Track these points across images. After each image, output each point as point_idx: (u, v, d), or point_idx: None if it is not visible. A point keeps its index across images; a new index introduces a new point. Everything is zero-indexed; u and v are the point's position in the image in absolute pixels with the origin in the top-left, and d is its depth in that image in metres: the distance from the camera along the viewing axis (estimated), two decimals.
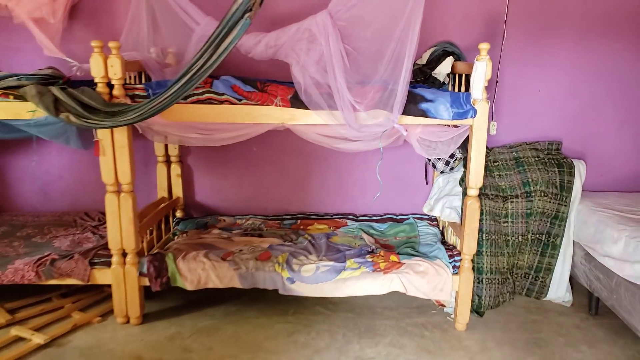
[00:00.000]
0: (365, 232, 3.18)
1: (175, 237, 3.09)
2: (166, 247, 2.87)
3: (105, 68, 2.35)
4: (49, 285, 2.72)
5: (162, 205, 3.16)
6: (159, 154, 3.25)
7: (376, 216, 3.41)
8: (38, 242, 2.99)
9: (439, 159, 3.08)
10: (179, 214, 3.38)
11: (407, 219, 3.35)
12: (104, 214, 3.32)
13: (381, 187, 2.88)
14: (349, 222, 3.32)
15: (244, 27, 1.89)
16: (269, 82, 2.48)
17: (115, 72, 2.34)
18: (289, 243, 2.97)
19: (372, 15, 2.20)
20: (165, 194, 3.30)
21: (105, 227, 3.16)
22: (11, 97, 2.46)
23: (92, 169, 3.20)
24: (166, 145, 3.24)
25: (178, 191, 3.34)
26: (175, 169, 3.31)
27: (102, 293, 2.99)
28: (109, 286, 2.81)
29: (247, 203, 3.47)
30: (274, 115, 2.42)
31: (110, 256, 2.65)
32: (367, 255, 2.73)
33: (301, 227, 3.28)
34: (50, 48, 2.84)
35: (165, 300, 2.88)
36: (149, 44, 2.91)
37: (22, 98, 2.42)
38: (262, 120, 2.43)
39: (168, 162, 3.30)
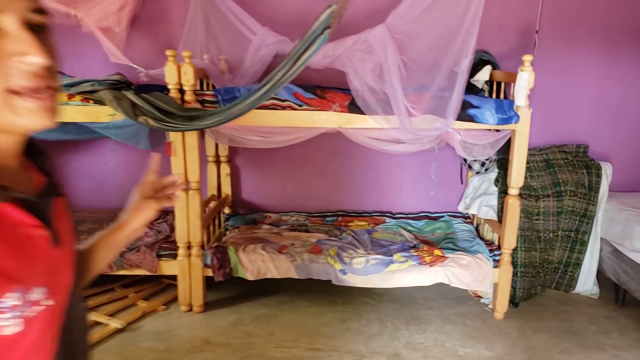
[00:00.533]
0: (403, 228, 3.39)
1: (227, 232, 3.31)
2: (223, 241, 3.08)
3: (178, 75, 2.57)
4: (109, 277, 2.95)
5: (214, 202, 3.38)
6: (210, 154, 3.46)
7: (412, 214, 3.63)
8: None
9: (475, 160, 3.29)
10: (227, 210, 3.60)
11: (442, 216, 3.56)
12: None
13: (435, 185, 3.10)
14: (387, 220, 3.54)
15: (323, 42, 2.11)
16: (328, 89, 2.70)
17: (188, 79, 2.56)
18: (334, 238, 3.18)
19: (427, 30, 2.42)
20: (215, 192, 3.51)
21: (160, 222, 3.39)
22: (91, 101, 2.68)
23: (144, 168, 3.42)
24: (217, 146, 3.46)
25: (227, 189, 3.56)
26: (225, 169, 3.52)
27: (161, 284, 3.21)
28: (167, 277, 3.03)
29: (290, 201, 3.69)
30: (332, 119, 2.63)
31: (173, 249, 2.88)
32: (411, 250, 2.95)
33: (342, 223, 3.50)
34: (116, 55, 3.06)
35: (221, 290, 3.10)
36: (203, 51, 3.13)
37: (101, 102, 2.64)
38: (322, 124, 2.65)
39: (218, 162, 3.51)
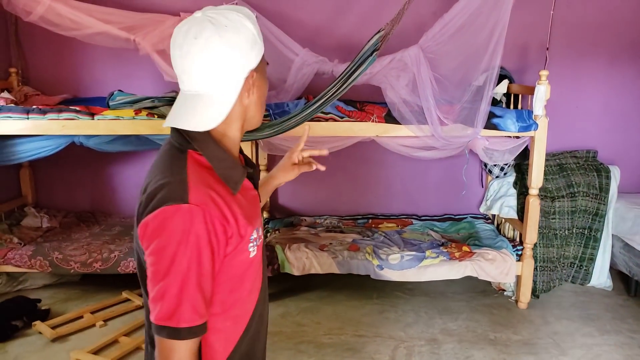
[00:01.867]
0: (430, 229, 3.69)
1: (268, 234, 3.61)
2: (267, 241, 3.38)
3: None
4: None
5: None
6: None
7: (437, 216, 3.93)
8: None
9: (495, 165, 3.60)
10: (265, 214, 3.91)
11: (465, 218, 3.87)
12: None
13: (466, 186, 3.43)
14: (414, 221, 3.84)
15: (371, 62, 2.43)
16: (366, 102, 3.02)
17: None
18: (368, 238, 3.48)
19: (457, 50, 2.74)
20: None
21: None
22: (155, 116, 3.00)
23: None
24: (257, 156, 3.77)
25: None
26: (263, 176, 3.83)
27: None
28: None
29: (323, 205, 4.00)
30: (371, 129, 2.95)
31: None
32: (441, 247, 3.25)
33: (373, 225, 3.80)
34: (171, 74, 3.38)
35: None
36: None
37: (163, 117, 2.97)
38: (361, 133, 2.97)
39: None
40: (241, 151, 1.09)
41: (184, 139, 0.94)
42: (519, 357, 2.61)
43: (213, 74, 0.90)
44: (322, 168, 1.31)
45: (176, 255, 0.84)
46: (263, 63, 0.99)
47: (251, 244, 0.97)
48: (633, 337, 2.80)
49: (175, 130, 0.96)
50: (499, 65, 2.64)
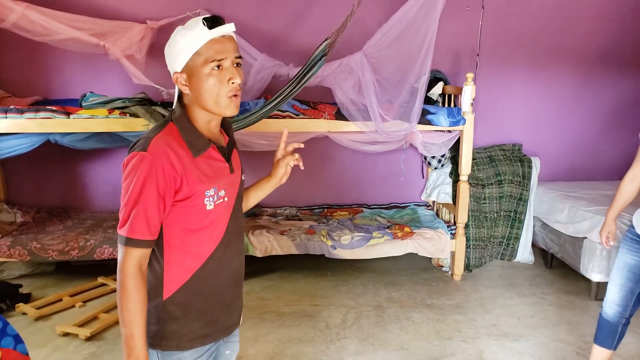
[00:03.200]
0: (378, 216, 4.13)
1: None
2: None
3: None
4: None
5: None
6: None
7: (384, 205, 4.39)
8: None
9: (433, 157, 4.08)
10: None
11: (409, 205, 4.33)
12: None
13: (404, 173, 3.87)
14: (364, 210, 4.28)
15: (320, 66, 2.84)
16: (319, 102, 3.42)
17: None
18: (323, 224, 3.89)
19: (395, 55, 3.19)
20: None
21: None
22: (127, 115, 3.30)
23: None
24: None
25: None
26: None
27: None
28: None
29: (282, 197, 4.37)
30: (323, 126, 3.36)
31: None
32: (386, 229, 3.69)
33: (327, 214, 4.21)
34: (139, 77, 3.66)
35: None
36: None
37: (135, 116, 3.27)
38: (315, 129, 3.37)
39: None
40: (230, 134, 1.42)
41: (170, 115, 1.31)
42: (450, 316, 3.07)
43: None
44: (302, 167, 1.61)
45: (130, 185, 1.18)
46: (197, 67, 1.23)
47: (207, 199, 1.27)
48: (544, 297, 3.33)
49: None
50: (429, 67, 3.10)
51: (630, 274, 2.09)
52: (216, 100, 1.25)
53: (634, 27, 4.29)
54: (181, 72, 1.26)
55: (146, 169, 1.18)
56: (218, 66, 1.23)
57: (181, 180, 1.23)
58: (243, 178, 1.44)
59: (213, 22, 1.24)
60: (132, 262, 1.21)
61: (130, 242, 1.20)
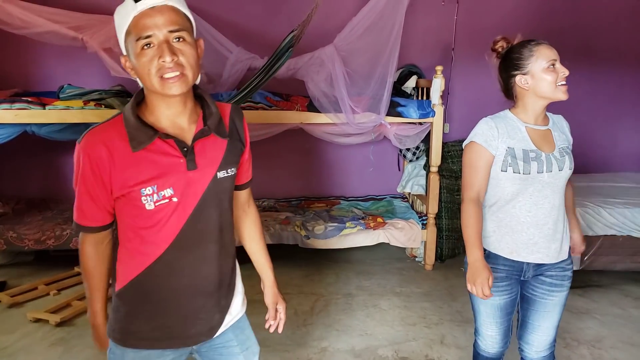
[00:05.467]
0: (355, 207, 4.20)
1: None
2: None
3: None
4: None
5: None
6: None
7: (361, 197, 4.45)
8: None
9: (408, 150, 4.15)
10: None
11: (385, 197, 4.40)
12: None
13: (373, 163, 3.94)
14: (341, 202, 4.34)
15: (287, 57, 2.90)
16: (291, 95, 3.48)
17: None
18: (300, 215, 3.95)
19: (364, 48, 3.24)
20: None
21: None
22: (102, 106, 3.35)
23: None
24: None
25: None
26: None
27: None
28: None
29: (260, 189, 4.43)
30: (295, 117, 3.42)
31: None
32: (360, 220, 3.75)
33: (305, 205, 4.27)
34: (117, 70, 3.70)
35: None
36: None
37: (111, 107, 3.32)
38: (287, 120, 3.42)
39: None
40: (205, 121, 1.22)
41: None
42: (417, 304, 3.14)
43: None
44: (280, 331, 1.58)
45: (74, 175, 1.19)
46: (131, 47, 1.13)
47: (143, 197, 1.15)
48: None
49: None
50: (396, 60, 3.16)
51: (503, 314, 1.77)
52: (151, 81, 1.12)
53: (607, 21, 4.36)
54: (126, 55, 1.16)
55: (77, 160, 1.17)
56: (148, 44, 1.10)
57: (110, 176, 1.15)
58: (220, 176, 1.24)
59: None
60: (85, 244, 1.25)
61: (77, 226, 1.23)
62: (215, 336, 1.36)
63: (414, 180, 4.07)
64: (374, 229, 3.60)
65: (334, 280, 3.50)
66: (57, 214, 3.97)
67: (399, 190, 4.33)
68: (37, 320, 2.87)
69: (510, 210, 1.69)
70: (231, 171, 1.27)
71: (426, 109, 3.45)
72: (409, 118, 3.45)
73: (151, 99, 1.19)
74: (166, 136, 1.17)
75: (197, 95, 1.26)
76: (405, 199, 4.35)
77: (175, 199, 1.18)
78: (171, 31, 1.11)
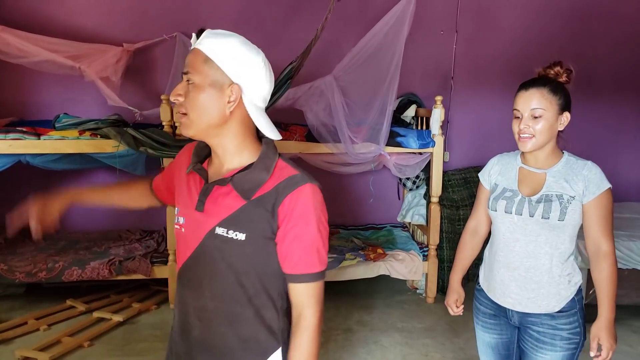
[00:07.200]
0: (354, 237, 4.12)
1: None
2: None
3: (171, 114, 3.25)
4: (104, 285, 3.50)
5: None
6: None
7: (361, 226, 4.38)
8: (98, 251, 3.75)
9: (408, 179, 4.09)
10: None
11: (385, 227, 4.33)
12: (143, 230, 4.16)
13: (373, 194, 3.88)
14: (341, 231, 4.27)
15: (287, 88, 2.87)
16: (290, 124, 3.44)
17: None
18: None
19: (363, 79, 3.22)
20: None
21: (147, 239, 3.98)
22: (98, 136, 3.30)
23: None
24: None
25: None
26: None
27: (149, 290, 3.77)
28: (156, 284, 3.60)
29: None
30: (294, 147, 3.37)
31: (163, 257, 3.49)
32: (360, 251, 3.67)
33: None
34: (114, 99, 3.69)
35: None
36: None
37: (106, 137, 3.28)
38: (286, 151, 3.37)
39: None
40: (239, 182, 1.16)
41: None
42: (419, 340, 3.04)
43: None
44: None
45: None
46: None
47: (176, 217, 1.25)
48: None
49: None
50: (396, 90, 3.13)
51: (496, 354, 1.75)
52: None
53: (606, 50, 4.36)
54: None
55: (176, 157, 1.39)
56: (187, 80, 1.13)
57: (176, 181, 1.32)
58: (219, 232, 1.14)
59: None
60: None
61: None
62: None
63: (414, 209, 4.01)
64: (374, 261, 3.52)
65: (333, 315, 3.40)
66: (51, 244, 3.88)
67: (399, 219, 4.26)
68: (26, 359, 2.76)
69: (491, 247, 1.76)
70: (235, 235, 1.13)
71: (426, 139, 3.41)
72: (409, 148, 3.40)
73: None
74: (198, 170, 1.22)
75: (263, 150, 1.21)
76: (406, 228, 4.28)
77: (183, 230, 1.23)
78: (184, 72, 1.13)
